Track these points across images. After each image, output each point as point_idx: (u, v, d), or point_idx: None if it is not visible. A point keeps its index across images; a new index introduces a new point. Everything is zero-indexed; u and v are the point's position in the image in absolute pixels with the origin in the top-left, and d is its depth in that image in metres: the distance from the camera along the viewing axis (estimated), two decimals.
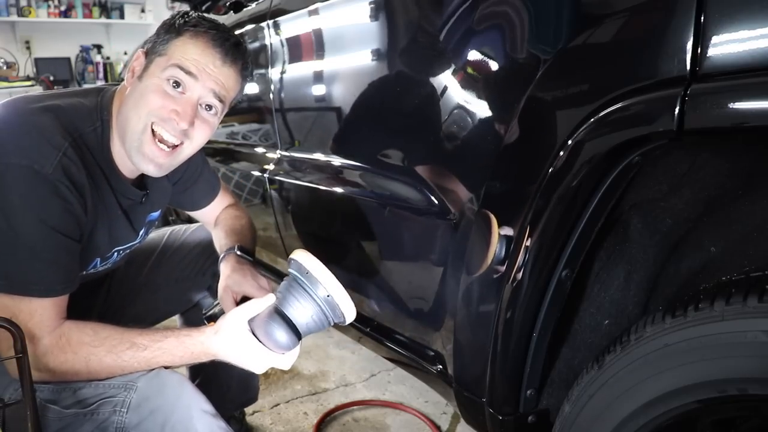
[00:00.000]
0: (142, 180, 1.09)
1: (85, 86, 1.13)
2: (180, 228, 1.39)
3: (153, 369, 0.93)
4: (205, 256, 1.31)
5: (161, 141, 0.94)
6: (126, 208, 1.06)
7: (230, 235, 1.22)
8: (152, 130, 0.93)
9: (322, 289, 0.88)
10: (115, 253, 1.10)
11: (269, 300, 0.92)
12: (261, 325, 0.90)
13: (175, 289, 1.32)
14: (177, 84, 0.93)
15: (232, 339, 0.90)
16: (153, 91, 0.92)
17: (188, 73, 0.92)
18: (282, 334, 0.89)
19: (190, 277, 1.32)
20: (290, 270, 0.93)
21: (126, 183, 1.03)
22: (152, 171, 0.97)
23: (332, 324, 0.93)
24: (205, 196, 1.30)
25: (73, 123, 0.93)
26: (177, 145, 0.96)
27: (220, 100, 0.97)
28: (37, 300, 0.87)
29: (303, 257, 0.91)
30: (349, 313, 0.90)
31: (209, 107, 0.97)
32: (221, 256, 1.18)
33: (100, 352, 0.89)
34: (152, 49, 0.96)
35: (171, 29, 0.95)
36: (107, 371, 0.90)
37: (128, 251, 1.17)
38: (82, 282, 0.99)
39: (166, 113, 0.92)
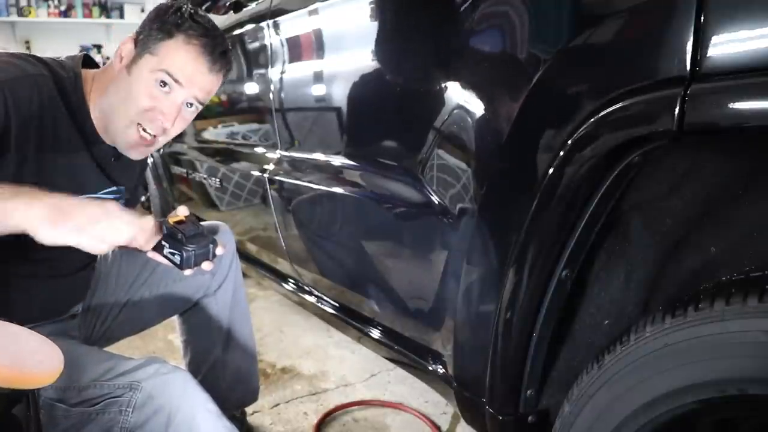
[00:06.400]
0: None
1: None
2: None
3: (155, 364, 0.93)
4: None
5: (144, 130, 1.01)
6: (98, 159, 1.07)
7: None
8: (137, 124, 1.00)
9: None
10: None
11: None
12: None
13: (174, 289, 1.32)
14: (164, 83, 0.98)
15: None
16: (142, 91, 0.98)
17: (176, 81, 0.98)
18: None
19: (188, 277, 1.32)
20: None
21: (99, 138, 1.05)
22: (133, 155, 1.05)
23: None
24: (135, 203, 1.35)
25: (48, 65, 0.99)
26: (155, 136, 1.03)
27: (200, 103, 1.04)
28: None
29: None
30: None
31: (189, 105, 1.03)
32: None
33: None
34: (144, 43, 0.99)
35: (164, 27, 0.98)
36: None
37: None
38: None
39: (152, 114, 0.99)
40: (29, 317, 1.01)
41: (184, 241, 1.00)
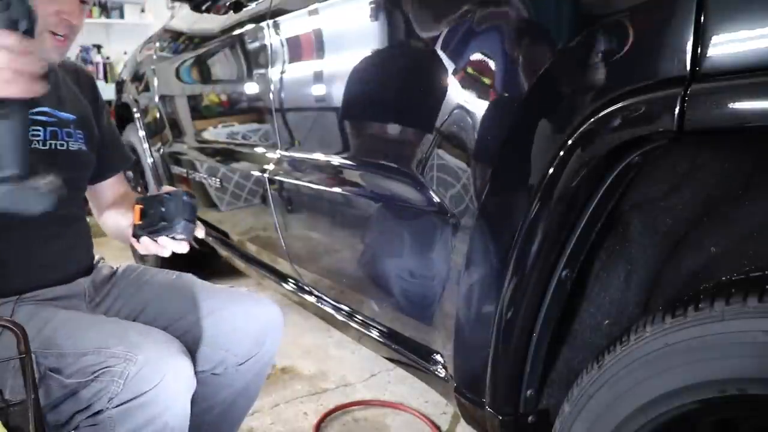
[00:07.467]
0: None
1: None
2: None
3: (159, 338, 0.94)
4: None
5: (55, 35, 1.07)
6: None
7: None
8: (48, 32, 1.05)
9: None
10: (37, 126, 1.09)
11: None
12: None
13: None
14: None
15: None
16: (43, 2, 1.02)
17: None
18: None
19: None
20: None
21: None
22: (54, 57, 1.10)
23: None
24: (121, 161, 1.35)
25: None
26: (65, 35, 1.08)
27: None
28: None
29: None
30: None
31: (84, 3, 1.11)
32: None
33: None
34: None
35: None
36: None
37: (54, 132, 1.12)
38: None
39: (58, 18, 1.05)
40: (36, 283, 1.04)
41: (176, 210, 1.01)
